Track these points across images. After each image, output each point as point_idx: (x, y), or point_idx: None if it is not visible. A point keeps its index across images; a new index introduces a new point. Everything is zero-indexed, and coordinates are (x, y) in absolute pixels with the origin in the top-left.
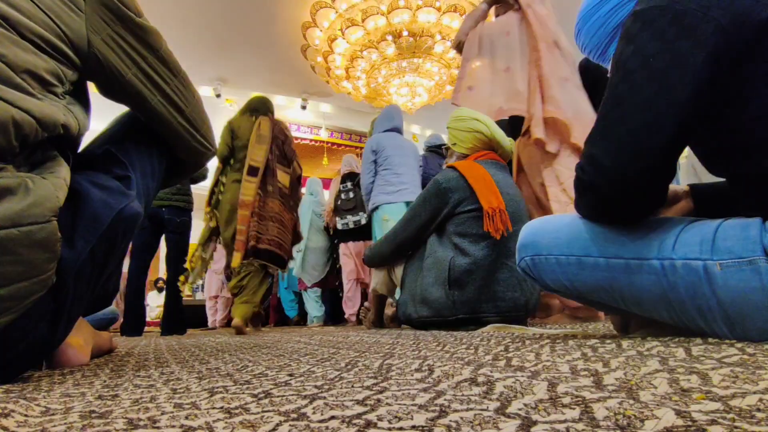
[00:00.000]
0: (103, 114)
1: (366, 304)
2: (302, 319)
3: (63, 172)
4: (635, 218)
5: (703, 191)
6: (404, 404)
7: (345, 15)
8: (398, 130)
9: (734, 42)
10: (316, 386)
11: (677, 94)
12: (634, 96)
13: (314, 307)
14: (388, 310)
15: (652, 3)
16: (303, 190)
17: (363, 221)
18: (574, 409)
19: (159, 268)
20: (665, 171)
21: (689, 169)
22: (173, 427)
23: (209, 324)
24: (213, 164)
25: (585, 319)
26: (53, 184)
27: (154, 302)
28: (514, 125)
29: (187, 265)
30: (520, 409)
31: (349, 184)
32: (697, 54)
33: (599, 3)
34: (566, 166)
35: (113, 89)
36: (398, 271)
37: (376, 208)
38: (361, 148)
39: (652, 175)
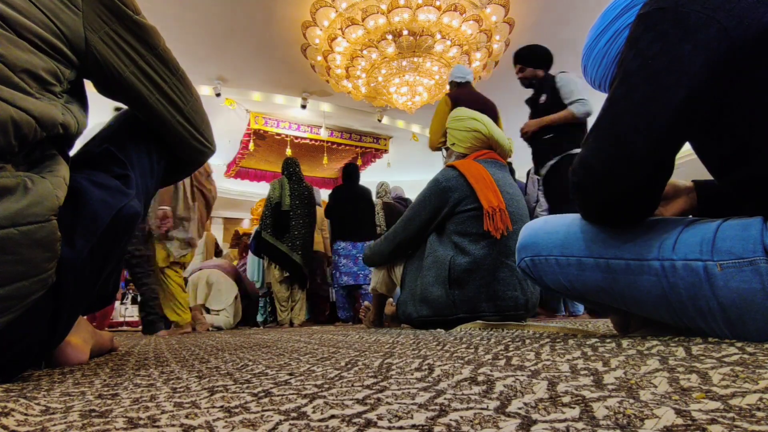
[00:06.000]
0: (102, 113)
1: (366, 303)
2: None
3: (62, 171)
4: (628, 221)
5: (708, 187)
6: (404, 403)
7: (345, 14)
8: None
9: (738, 45)
10: (316, 385)
11: (671, 97)
12: (629, 98)
13: (259, 313)
14: (388, 310)
15: (656, 5)
16: None
17: None
18: (574, 408)
19: None
20: (655, 175)
21: None
22: (173, 426)
23: None
24: None
25: None
26: (52, 183)
27: None
28: None
29: None
30: (520, 408)
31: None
32: (697, 57)
33: (598, 36)
34: None
35: (111, 87)
36: (398, 271)
37: None
38: (362, 147)
39: (641, 179)
